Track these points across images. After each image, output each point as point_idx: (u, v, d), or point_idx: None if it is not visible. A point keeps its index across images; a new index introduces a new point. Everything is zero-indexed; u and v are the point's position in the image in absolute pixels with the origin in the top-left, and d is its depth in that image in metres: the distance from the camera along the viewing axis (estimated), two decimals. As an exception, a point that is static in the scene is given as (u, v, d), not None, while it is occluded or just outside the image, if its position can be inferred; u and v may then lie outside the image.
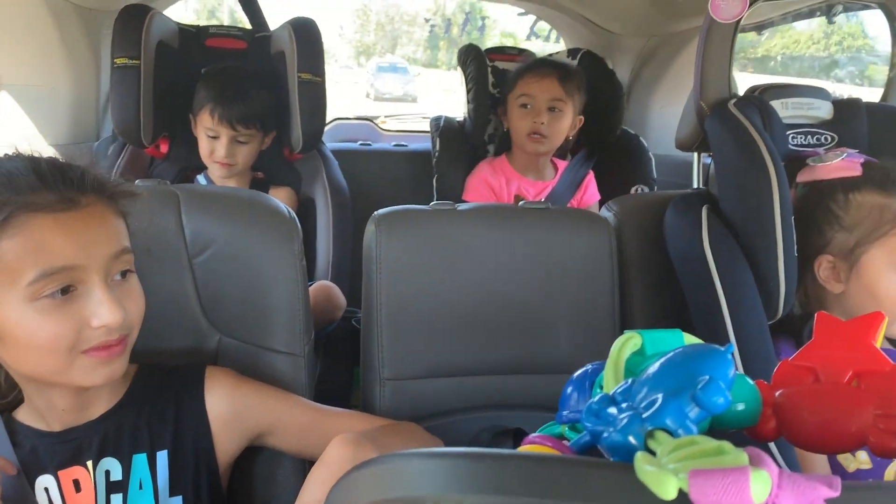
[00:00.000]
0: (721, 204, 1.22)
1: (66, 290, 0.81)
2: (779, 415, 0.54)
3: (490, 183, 2.07)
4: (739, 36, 1.29)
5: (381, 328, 1.22)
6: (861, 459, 1.09)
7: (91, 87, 2.10)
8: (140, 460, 0.93)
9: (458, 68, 2.30)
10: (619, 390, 0.48)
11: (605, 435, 0.44)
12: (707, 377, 0.42)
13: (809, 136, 1.29)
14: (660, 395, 0.43)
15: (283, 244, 1.13)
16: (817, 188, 1.17)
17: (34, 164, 0.83)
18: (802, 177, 1.21)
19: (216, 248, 1.12)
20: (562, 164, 2.16)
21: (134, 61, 1.82)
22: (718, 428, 0.54)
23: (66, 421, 0.92)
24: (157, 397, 0.97)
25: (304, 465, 1.09)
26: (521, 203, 1.35)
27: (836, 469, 1.09)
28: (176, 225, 1.11)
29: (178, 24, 2.05)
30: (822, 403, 0.53)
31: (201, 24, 2.09)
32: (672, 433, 0.41)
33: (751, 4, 1.28)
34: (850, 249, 1.12)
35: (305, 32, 1.92)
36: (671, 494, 0.35)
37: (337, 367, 1.72)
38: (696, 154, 1.45)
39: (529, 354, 1.28)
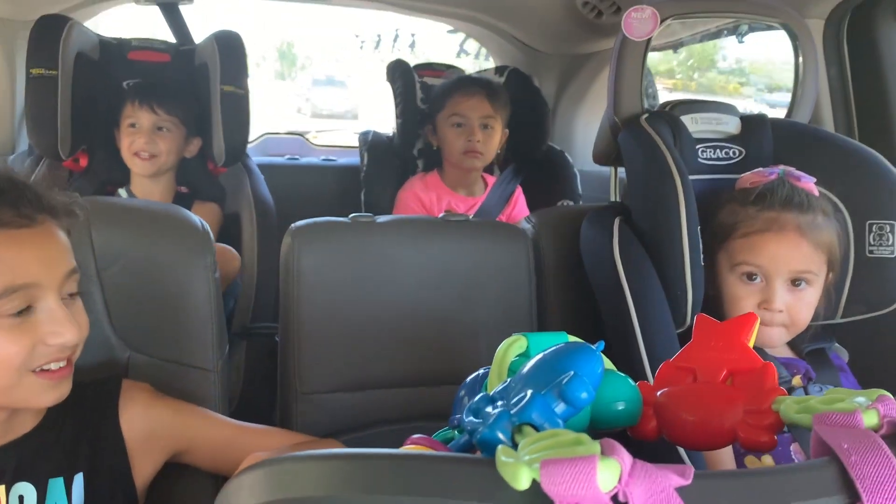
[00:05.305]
0: (633, 215, 1.25)
1: (24, 308, 0.81)
2: (659, 414, 0.56)
3: (421, 198, 2.08)
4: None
5: (298, 342, 1.21)
6: (766, 462, 1.12)
7: (6, 99, 2.04)
8: (56, 484, 0.90)
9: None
10: (497, 390, 0.49)
11: (479, 431, 0.44)
12: (572, 373, 0.43)
13: (718, 150, 1.33)
14: (529, 392, 0.44)
15: (194, 257, 1.11)
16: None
17: None
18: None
19: (126, 262, 1.09)
20: (491, 180, 2.18)
21: (51, 72, 1.77)
22: (601, 428, 0.55)
23: None
24: (73, 416, 0.94)
25: (218, 482, 1.07)
26: (440, 216, 1.36)
27: (744, 472, 1.11)
28: (84, 237, 1.08)
29: (100, 36, 2.02)
30: (698, 402, 0.54)
31: (123, 38, 2.06)
32: (538, 428, 0.42)
33: (661, 23, 1.32)
34: (709, 250, 1.19)
35: (229, 45, 1.91)
36: (524, 485, 0.35)
37: (260, 383, 1.69)
38: (612, 168, 1.49)
39: (450, 365, 1.28)
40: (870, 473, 0.40)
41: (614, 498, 0.36)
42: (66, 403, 0.94)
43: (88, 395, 0.96)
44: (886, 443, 0.41)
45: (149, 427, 0.97)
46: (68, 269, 0.87)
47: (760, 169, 1.22)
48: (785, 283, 1.13)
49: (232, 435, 1.02)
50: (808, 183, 1.19)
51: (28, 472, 0.89)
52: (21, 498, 0.88)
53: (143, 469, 0.97)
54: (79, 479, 0.92)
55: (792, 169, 1.20)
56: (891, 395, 0.47)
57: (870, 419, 0.44)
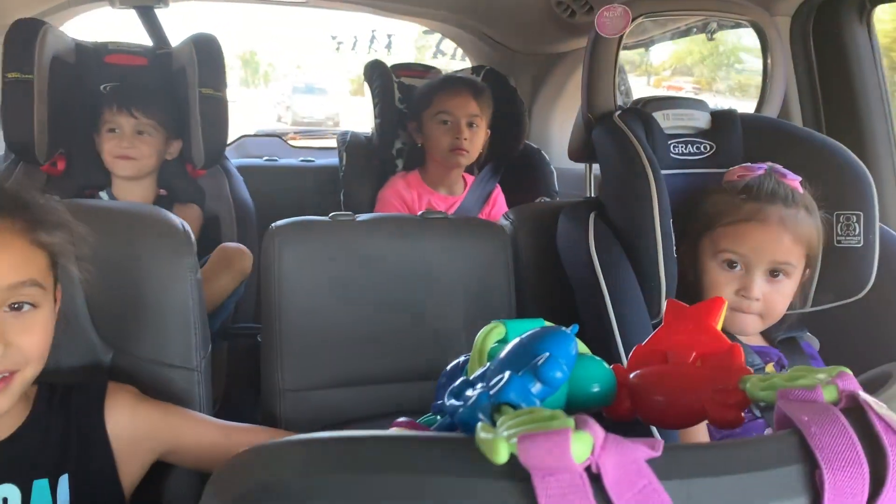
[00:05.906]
0: (607, 210, 1.28)
1: None
2: (633, 395, 0.58)
3: (403, 196, 2.09)
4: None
5: (280, 339, 1.22)
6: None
7: (-20, 104, 2.03)
8: (41, 486, 0.90)
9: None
10: (477, 374, 0.50)
11: (459, 412, 0.46)
12: (547, 354, 0.45)
13: (690, 145, 1.36)
14: (507, 373, 0.46)
15: (175, 257, 1.11)
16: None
17: None
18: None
19: (107, 263, 1.09)
20: (470, 179, 2.20)
21: (26, 76, 1.77)
22: (578, 409, 0.57)
23: None
24: (59, 418, 0.94)
25: (205, 480, 1.08)
26: (420, 213, 1.38)
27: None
28: (62, 239, 1.08)
29: (76, 40, 2.02)
30: (668, 383, 0.57)
31: (99, 41, 2.06)
32: (516, 407, 0.44)
33: (632, 21, 1.35)
34: (693, 237, 1.22)
35: (207, 48, 1.91)
36: (503, 458, 0.37)
37: (242, 383, 1.70)
38: (587, 165, 1.51)
39: (431, 361, 1.29)
40: (828, 443, 0.42)
41: (587, 469, 0.38)
42: (52, 405, 0.94)
43: (74, 397, 0.97)
44: (844, 415, 0.44)
45: (135, 429, 0.97)
46: (11, 281, 0.83)
47: (748, 164, 1.25)
48: (764, 273, 1.16)
49: (217, 435, 1.03)
50: (794, 181, 1.22)
51: (12, 473, 0.89)
52: (5, 500, 0.88)
53: (130, 470, 0.98)
54: (64, 481, 0.92)
55: (778, 166, 1.23)
56: (850, 372, 0.49)
57: (829, 394, 0.46)
